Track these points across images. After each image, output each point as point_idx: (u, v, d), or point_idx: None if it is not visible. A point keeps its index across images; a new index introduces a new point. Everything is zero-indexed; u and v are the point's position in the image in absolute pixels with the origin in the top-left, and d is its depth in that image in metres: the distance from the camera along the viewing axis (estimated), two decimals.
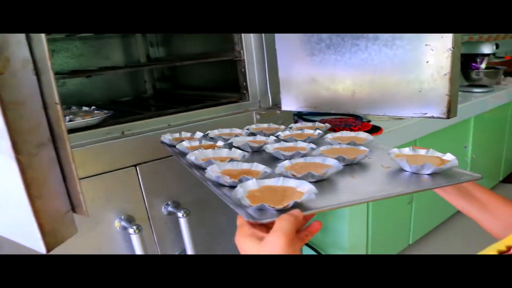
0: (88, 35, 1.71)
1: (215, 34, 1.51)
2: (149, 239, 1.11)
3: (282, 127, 1.13)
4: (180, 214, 1.10)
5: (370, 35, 1.02)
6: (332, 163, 0.75)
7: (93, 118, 1.04)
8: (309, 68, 1.18)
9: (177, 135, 1.03)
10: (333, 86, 1.14)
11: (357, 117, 1.77)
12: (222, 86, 1.44)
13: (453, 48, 0.88)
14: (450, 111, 0.92)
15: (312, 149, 0.88)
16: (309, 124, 1.16)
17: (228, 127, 1.12)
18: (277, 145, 0.92)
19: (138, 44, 1.89)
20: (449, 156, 0.78)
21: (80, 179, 0.97)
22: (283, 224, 0.53)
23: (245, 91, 1.34)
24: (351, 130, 1.61)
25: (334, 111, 1.17)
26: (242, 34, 1.26)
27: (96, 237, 1.03)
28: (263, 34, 1.27)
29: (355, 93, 1.10)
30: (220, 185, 0.69)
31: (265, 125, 1.16)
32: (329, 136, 0.99)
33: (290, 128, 1.11)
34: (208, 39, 1.59)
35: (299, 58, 1.19)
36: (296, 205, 0.58)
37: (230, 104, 1.32)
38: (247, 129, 1.10)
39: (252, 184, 0.65)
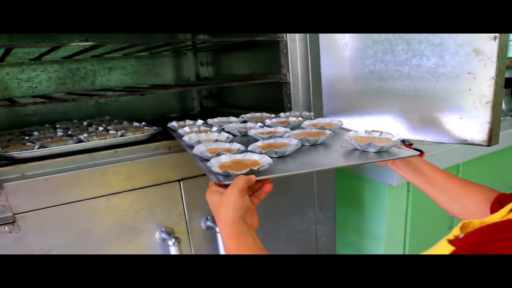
0: (143, 54, 1.80)
1: (262, 57, 1.55)
2: (187, 251, 1.15)
3: (272, 115, 1.26)
4: (218, 229, 1.13)
5: (414, 62, 1.03)
6: (294, 142, 0.89)
7: (142, 134, 1.10)
8: (352, 92, 1.19)
9: (182, 122, 1.22)
10: (375, 111, 1.15)
11: None
12: (267, 106, 1.47)
13: (496, 76, 0.88)
14: (492, 139, 0.91)
15: (287, 132, 1.02)
16: (297, 113, 1.27)
17: None
18: (260, 129, 1.06)
19: (189, 63, 1.97)
20: (395, 137, 0.89)
21: (127, 191, 1.04)
22: (237, 182, 0.72)
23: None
24: None
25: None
26: (289, 58, 1.29)
27: (137, 246, 1.08)
28: (309, 58, 1.29)
29: (396, 118, 1.11)
30: (204, 160, 0.85)
31: (258, 114, 1.31)
32: (306, 122, 1.13)
33: (279, 116, 1.24)
34: (255, 60, 1.64)
35: (343, 83, 1.21)
36: (253, 172, 0.75)
37: None
38: (242, 117, 1.26)
39: (224, 157, 0.83)
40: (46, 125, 1.44)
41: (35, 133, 1.23)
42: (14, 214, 0.93)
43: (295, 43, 1.28)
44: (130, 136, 1.08)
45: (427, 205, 1.76)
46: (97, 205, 1.02)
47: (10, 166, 0.96)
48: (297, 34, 1.27)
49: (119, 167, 1.04)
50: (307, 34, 1.27)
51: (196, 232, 1.16)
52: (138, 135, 1.09)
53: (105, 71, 1.75)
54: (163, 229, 1.10)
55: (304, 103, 1.35)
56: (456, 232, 0.52)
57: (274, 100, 1.43)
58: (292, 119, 1.18)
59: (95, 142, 1.04)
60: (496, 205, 0.80)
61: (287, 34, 1.26)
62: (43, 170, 0.98)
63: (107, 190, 1.03)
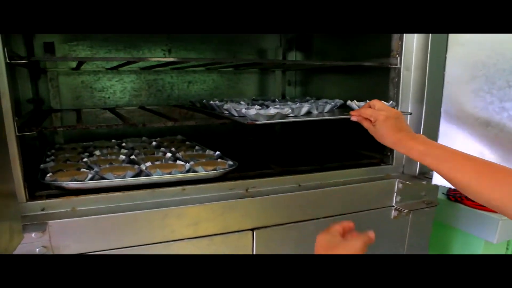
0: (228, 70, 1.63)
1: (363, 83, 1.33)
2: None
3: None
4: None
5: None
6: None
7: (214, 171, 0.92)
8: (480, 140, 0.93)
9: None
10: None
11: None
12: (364, 142, 1.24)
13: None
14: None
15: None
16: None
17: (365, 195, 1.06)
18: None
19: (276, 81, 1.78)
20: None
21: (190, 238, 0.86)
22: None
23: (389, 153, 1.15)
24: None
25: None
26: (401, 88, 1.07)
27: None
28: (426, 91, 1.05)
29: None
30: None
31: None
32: None
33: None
34: (353, 86, 1.42)
35: (469, 127, 0.96)
36: None
37: (370, 166, 1.13)
38: None
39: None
40: (113, 140, 1.31)
41: (96, 152, 1.09)
42: None
43: (410, 72, 1.05)
44: (199, 173, 0.90)
45: None
46: (153, 253, 0.85)
47: (61, 197, 0.83)
48: (413, 62, 1.04)
49: (185, 210, 0.87)
50: (427, 62, 1.03)
51: None
52: (209, 172, 0.91)
53: (184, 85, 1.60)
54: None
55: None
56: None
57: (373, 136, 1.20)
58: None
59: (157, 177, 0.87)
60: None
61: (402, 61, 1.03)
62: (97, 206, 0.84)
63: (167, 235, 0.86)
